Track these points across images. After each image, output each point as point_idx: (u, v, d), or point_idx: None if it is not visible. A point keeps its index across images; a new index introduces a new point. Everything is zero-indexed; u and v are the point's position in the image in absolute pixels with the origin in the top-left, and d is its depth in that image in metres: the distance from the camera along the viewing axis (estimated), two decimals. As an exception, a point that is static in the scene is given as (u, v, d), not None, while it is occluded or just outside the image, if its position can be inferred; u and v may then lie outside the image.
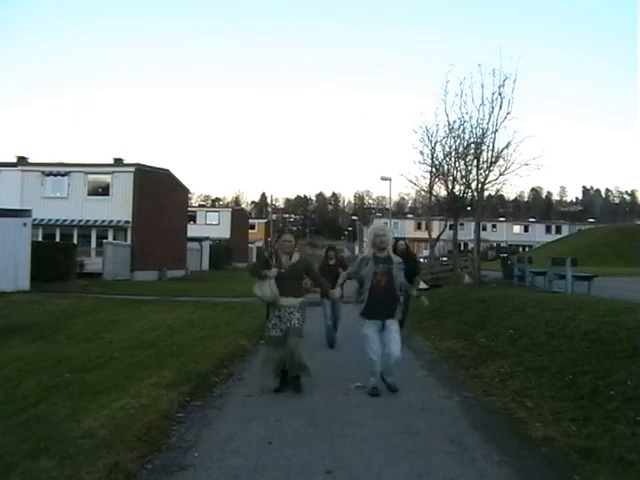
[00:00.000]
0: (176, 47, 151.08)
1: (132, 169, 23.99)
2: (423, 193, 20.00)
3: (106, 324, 9.15)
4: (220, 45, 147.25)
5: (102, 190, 24.37)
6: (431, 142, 17.02)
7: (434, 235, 20.28)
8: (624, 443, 3.38)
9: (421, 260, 21.66)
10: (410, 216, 69.09)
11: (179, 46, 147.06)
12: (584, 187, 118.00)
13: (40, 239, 21.59)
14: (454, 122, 15.78)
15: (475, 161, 15.20)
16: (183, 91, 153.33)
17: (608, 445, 3.40)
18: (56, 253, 17.66)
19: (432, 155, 17.19)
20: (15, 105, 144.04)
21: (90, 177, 24.46)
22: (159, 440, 3.64)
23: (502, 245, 56.21)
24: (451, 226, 18.47)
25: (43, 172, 24.11)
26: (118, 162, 25.14)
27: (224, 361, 6.33)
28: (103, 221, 23.59)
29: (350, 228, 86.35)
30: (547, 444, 3.58)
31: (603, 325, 5.72)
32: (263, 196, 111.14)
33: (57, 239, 22.73)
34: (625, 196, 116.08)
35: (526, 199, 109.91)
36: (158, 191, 25.51)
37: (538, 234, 62.62)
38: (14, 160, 24.79)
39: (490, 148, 14.47)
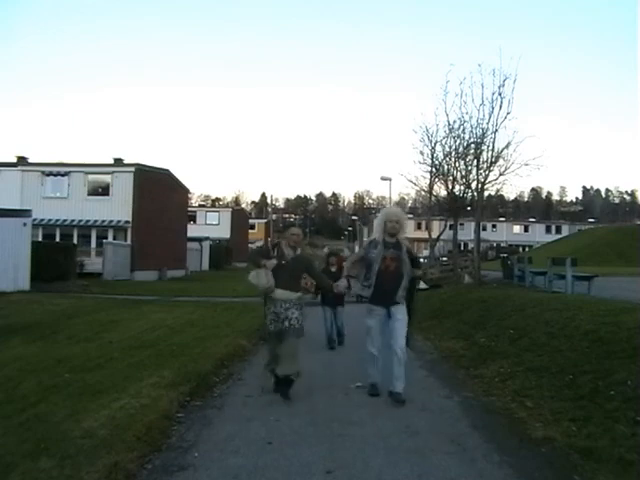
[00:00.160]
0: (176, 47, 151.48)
1: (132, 169, 24.00)
2: (423, 193, 20.05)
3: (106, 324, 9.14)
4: (220, 45, 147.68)
5: (102, 190, 24.38)
6: (431, 142, 17.08)
7: (434, 235, 20.27)
8: (624, 443, 3.38)
9: (421, 260, 21.65)
10: (410, 216, 68.87)
11: (179, 46, 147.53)
12: (584, 187, 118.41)
13: (40, 239, 21.59)
14: (454, 122, 15.85)
15: (475, 161, 15.22)
16: (183, 91, 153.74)
17: (608, 445, 3.39)
18: (56, 253, 17.65)
19: (432, 155, 17.25)
20: (15, 105, 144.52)
21: (90, 177, 24.47)
22: (159, 440, 3.64)
23: (502, 245, 56.15)
24: (451, 226, 18.48)
25: (43, 172, 24.12)
26: (118, 162, 25.14)
27: (224, 361, 6.31)
28: (103, 221, 23.61)
29: (350, 228, 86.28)
30: (547, 444, 3.58)
31: (603, 325, 5.71)
32: (263, 196, 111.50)
33: (57, 239, 22.73)
34: (625, 196, 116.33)
35: (526, 199, 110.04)
36: (158, 191, 25.51)
37: (538, 234, 62.56)
38: (14, 160, 24.80)
39: (490, 148, 14.52)
